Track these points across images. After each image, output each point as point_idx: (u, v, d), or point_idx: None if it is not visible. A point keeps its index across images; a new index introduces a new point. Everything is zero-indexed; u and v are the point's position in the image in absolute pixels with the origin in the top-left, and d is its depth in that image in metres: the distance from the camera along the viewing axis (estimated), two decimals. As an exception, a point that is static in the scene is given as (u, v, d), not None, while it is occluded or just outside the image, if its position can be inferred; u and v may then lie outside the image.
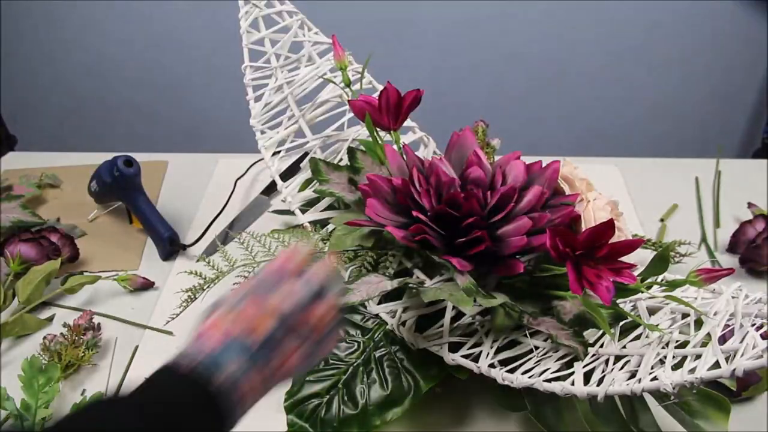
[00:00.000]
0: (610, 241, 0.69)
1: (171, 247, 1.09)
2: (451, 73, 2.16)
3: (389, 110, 0.87)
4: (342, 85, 0.96)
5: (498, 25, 2.07)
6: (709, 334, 0.69)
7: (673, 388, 0.64)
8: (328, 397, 0.82)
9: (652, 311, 0.80)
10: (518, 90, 2.20)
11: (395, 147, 0.89)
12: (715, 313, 0.72)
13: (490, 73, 2.17)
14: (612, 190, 0.93)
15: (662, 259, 0.77)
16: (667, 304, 0.79)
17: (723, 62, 2.13)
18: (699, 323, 0.74)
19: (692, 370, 0.64)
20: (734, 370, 0.61)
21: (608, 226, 0.67)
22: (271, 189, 1.20)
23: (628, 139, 2.25)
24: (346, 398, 0.82)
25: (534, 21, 2.06)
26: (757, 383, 0.85)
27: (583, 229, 0.78)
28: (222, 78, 2.09)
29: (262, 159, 1.29)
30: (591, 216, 0.78)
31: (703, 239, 1.16)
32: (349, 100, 0.90)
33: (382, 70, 1.07)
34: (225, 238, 1.10)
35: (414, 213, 0.76)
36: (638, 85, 2.19)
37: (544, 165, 0.82)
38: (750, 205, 1.18)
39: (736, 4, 2.01)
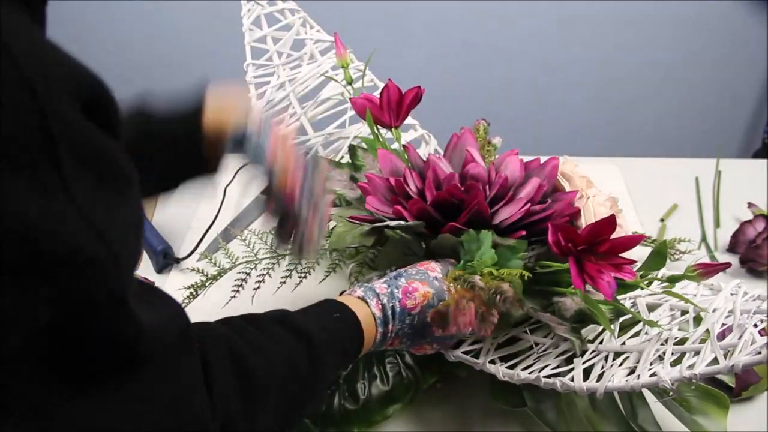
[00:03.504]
0: (611, 237, 0.69)
1: (165, 260, 1.09)
2: (453, 73, 2.16)
3: (390, 108, 0.87)
4: (344, 82, 0.96)
5: (499, 24, 2.07)
6: (708, 331, 0.69)
7: (672, 384, 0.64)
8: (329, 392, 0.82)
9: (651, 308, 0.80)
10: (518, 89, 2.20)
11: (395, 145, 0.89)
12: (714, 310, 0.72)
13: (491, 72, 2.17)
14: (612, 190, 0.94)
15: (659, 254, 0.77)
16: (667, 300, 0.79)
17: (723, 62, 2.13)
18: (698, 320, 0.74)
19: (690, 366, 0.64)
20: (732, 366, 0.61)
21: (610, 222, 0.68)
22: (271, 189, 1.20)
23: (628, 139, 2.25)
24: (347, 394, 0.82)
25: (535, 21, 2.06)
26: (756, 383, 0.85)
27: (584, 225, 0.78)
28: (222, 78, 2.09)
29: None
30: (591, 212, 0.78)
31: (703, 239, 1.16)
32: (350, 98, 0.91)
33: (383, 68, 1.07)
34: (227, 235, 1.10)
35: (414, 199, 0.77)
36: (639, 85, 2.19)
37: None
38: (750, 205, 1.18)
39: (736, 4, 2.01)
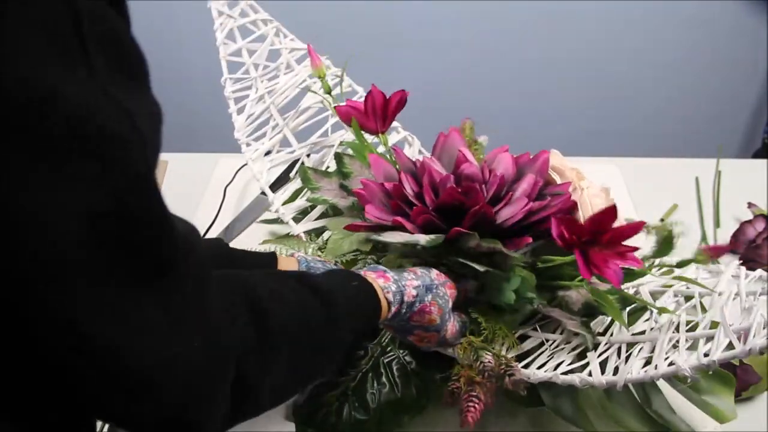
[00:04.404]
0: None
1: None
2: (450, 72, 2.15)
3: (375, 113, 0.87)
4: (322, 92, 0.95)
5: (497, 23, 2.07)
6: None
7: (691, 373, 0.63)
8: (338, 404, 0.82)
9: (654, 295, 0.80)
10: (517, 89, 2.20)
11: (382, 148, 0.88)
12: (719, 294, 0.73)
13: (490, 72, 2.16)
14: (612, 190, 0.94)
15: (667, 241, 0.76)
16: (669, 287, 0.79)
17: (723, 62, 2.14)
18: (703, 305, 0.75)
19: (707, 353, 0.63)
20: (750, 349, 0.60)
21: (611, 211, 0.68)
22: (270, 189, 1.19)
23: (628, 139, 2.24)
24: (356, 404, 0.82)
25: (534, 20, 2.06)
26: (757, 383, 0.85)
27: (582, 217, 0.79)
28: (221, 78, 2.07)
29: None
30: (587, 203, 0.78)
31: (703, 239, 1.15)
32: (334, 107, 0.90)
33: (365, 70, 1.06)
34: (228, 234, 1.08)
35: (416, 208, 0.77)
36: (638, 85, 2.19)
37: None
38: (750, 205, 1.17)
39: (736, 4, 2.02)
